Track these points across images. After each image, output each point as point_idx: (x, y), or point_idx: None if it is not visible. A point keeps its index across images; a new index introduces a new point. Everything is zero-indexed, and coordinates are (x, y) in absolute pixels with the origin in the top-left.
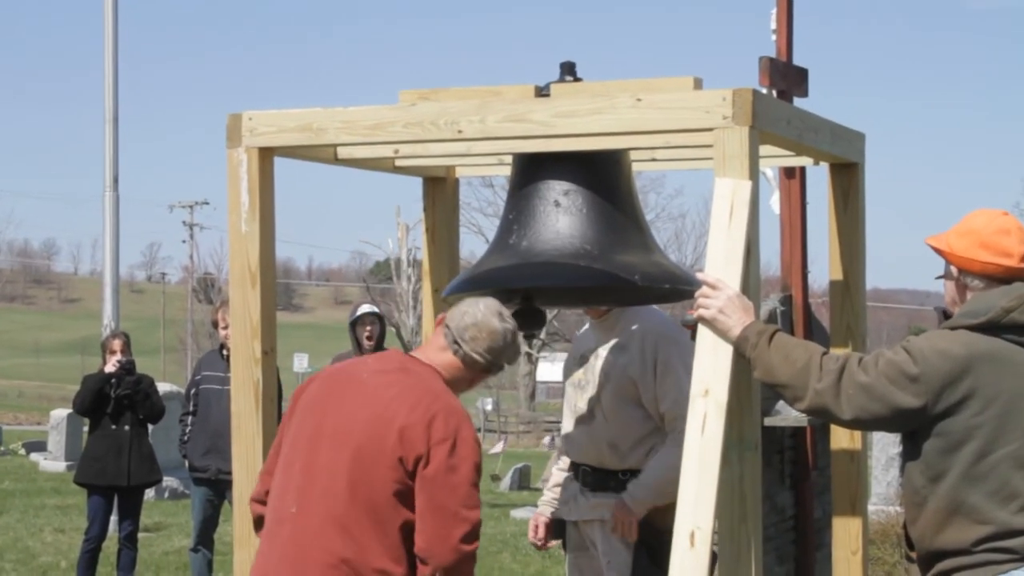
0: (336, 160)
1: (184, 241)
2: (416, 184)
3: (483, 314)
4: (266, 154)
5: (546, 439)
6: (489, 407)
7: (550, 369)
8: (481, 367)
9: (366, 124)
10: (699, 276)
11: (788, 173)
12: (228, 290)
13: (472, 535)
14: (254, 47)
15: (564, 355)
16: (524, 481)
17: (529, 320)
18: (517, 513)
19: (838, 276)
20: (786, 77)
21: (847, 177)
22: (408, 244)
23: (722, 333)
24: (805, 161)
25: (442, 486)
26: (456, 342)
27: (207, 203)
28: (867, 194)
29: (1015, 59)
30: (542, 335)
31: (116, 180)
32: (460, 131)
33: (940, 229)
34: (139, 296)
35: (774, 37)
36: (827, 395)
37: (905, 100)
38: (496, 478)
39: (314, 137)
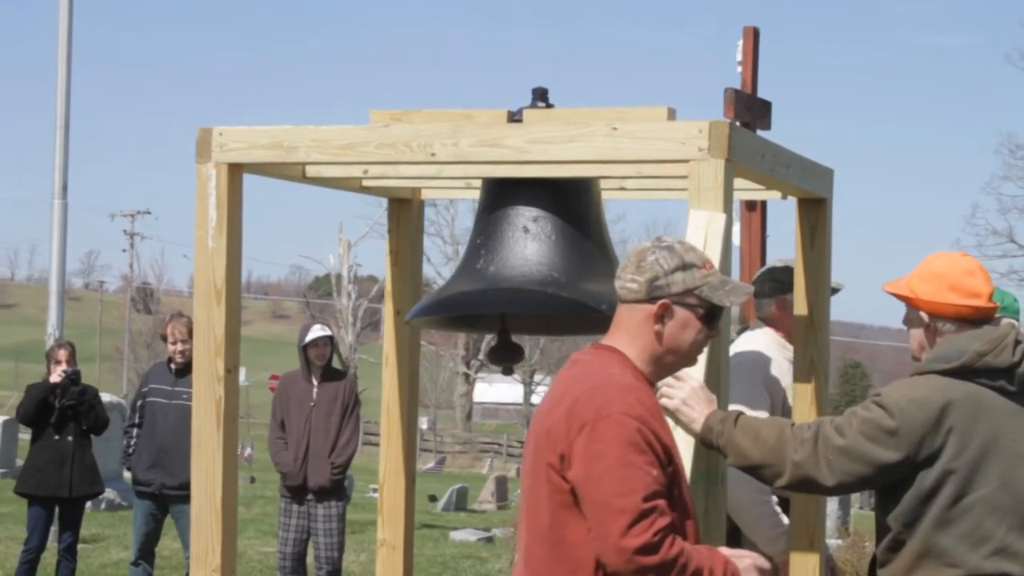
0: (304, 178)
1: (124, 250)
2: (358, 201)
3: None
4: (235, 170)
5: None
6: (424, 426)
7: (487, 390)
8: (644, 296)
9: (338, 143)
10: None
11: (749, 206)
12: (166, 301)
13: (633, 525)
14: (208, 57)
15: (500, 376)
16: (461, 502)
17: (506, 354)
18: (457, 535)
19: (803, 311)
20: (750, 109)
21: (815, 212)
22: (349, 260)
23: (685, 425)
24: (773, 195)
25: (586, 479)
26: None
27: (149, 213)
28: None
29: (957, 95)
30: (481, 356)
31: (65, 188)
32: (433, 154)
33: (878, 261)
34: (76, 303)
35: (739, 69)
36: (807, 465)
37: (849, 130)
38: (433, 499)
39: (285, 155)
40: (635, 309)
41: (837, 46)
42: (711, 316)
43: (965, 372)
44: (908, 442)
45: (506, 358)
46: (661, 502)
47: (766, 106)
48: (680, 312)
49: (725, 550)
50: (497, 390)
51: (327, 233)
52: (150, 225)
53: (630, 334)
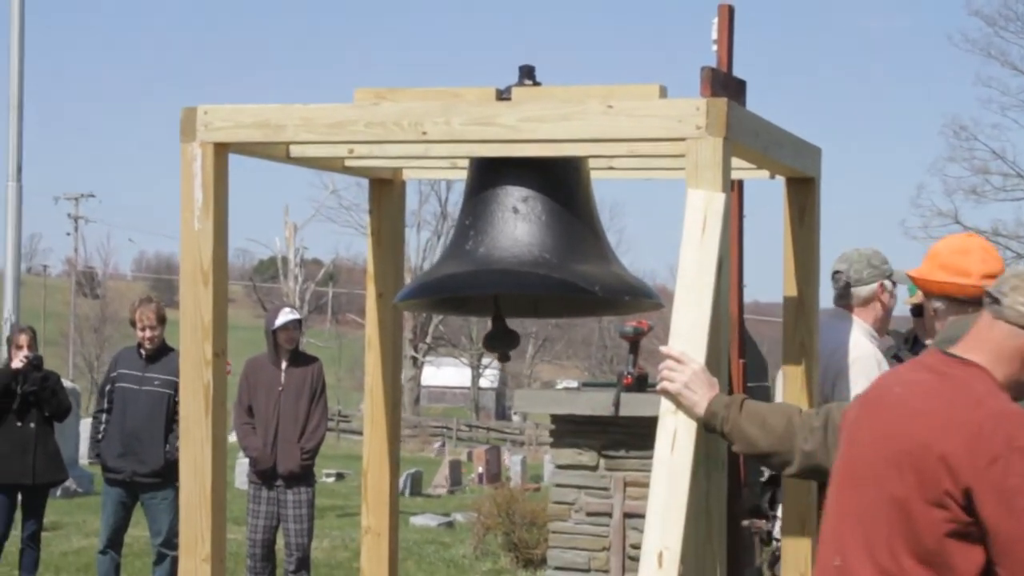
0: (288, 158)
1: (69, 234)
2: (304, 183)
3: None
4: (221, 150)
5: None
6: None
7: (435, 374)
8: None
9: (326, 122)
10: (663, 350)
11: None
12: (111, 285)
13: None
14: (154, 37)
15: (449, 359)
16: (417, 487)
17: (501, 340)
18: (417, 520)
19: (792, 292)
20: (727, 88)
21: (804, 192)
22: (296, 243)
23: (688, 409)
24: (761, 175)
25: (1008, 515)
26: (996, 299)
27: (93, 196)
28: (775, 208)
29: (902, 76)
30: (427, 339)
31: (20, 170)
32: (424, 132)
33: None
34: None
35: (715, 47)
36: (818, 455)
37: (801, 111)
38: None
39: (272, 134)
40: (1016, 335)
41: (794, 25)
42: None
43: None
44: None
45: (501, 344)
46: None
47: (741, 85)
48: None
49: None
50: (444, 374)
51: (272, 216)
52: (94, 209)
53: (998, 355)
